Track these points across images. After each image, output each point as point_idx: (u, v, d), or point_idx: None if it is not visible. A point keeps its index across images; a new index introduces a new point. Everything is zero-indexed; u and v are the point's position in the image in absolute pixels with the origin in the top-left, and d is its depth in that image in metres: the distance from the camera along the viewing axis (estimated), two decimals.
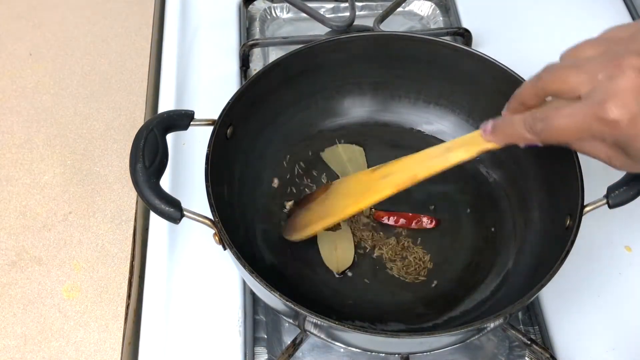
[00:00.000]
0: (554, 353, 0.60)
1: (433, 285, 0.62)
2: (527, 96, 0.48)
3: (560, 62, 0.47)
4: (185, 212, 0.53)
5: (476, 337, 0.56)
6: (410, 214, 0.65)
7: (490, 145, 0.51)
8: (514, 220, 0.65)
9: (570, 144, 0.46)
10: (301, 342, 0.57)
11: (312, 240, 0.64)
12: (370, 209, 0.65)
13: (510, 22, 0.86)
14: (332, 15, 0.87)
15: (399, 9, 0.84)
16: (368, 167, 0.67)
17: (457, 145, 0.54)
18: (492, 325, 0.51)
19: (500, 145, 0.50)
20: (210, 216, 0.53)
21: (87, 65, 0.80)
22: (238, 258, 0.51)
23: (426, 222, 0.65)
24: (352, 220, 0.65)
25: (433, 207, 0.66)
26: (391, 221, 0.65)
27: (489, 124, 0.50)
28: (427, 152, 0.56)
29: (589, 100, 0.42)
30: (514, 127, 0.48)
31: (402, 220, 0.65)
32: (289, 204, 0.66)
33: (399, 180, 0.57)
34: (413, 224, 0.64)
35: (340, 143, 0.70)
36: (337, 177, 0.68)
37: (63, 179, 0.70)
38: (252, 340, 0.60)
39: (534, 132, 0.46)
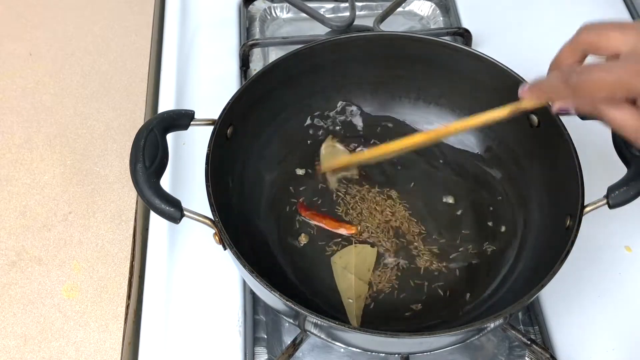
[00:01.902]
0: (554, 353, 0.60)
1: (433, 285, 0.62)
2: (565, 54, 0.47)
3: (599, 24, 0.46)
4: (185, 212, 0.53)
5: (476, 337, 0.56)
6: (333, 222, 0.65)
7: (524, 104, 0.49)
8: (514, 220, 0.65)
9: (602, 110, 0.44)
10: (301, 342, 0.57)
11: (313, 241, 0.64)
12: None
13: (510, 22, 0.86)
14: (332, 15, 0.87)
15: (399, 9, 0.84)
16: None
17: (494, 109, 0.53)
18: (492, 325, 0.51)
19: (535, 102, 0.48)
20: (210, 216, 0.53)
21: (87, 65, 0.80)
22: (238, 258, 0.51)
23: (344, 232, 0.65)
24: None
25: (435, 208, 0.67)
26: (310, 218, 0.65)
27: (526, 83, 0.49)
28: (468, 119, 0.56)
29: (632, 56, 0.42)
30: (550, 82, 0.47)
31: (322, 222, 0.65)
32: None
33: (433, 134, 0.59)
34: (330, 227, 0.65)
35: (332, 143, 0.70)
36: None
37: (63, 179, 0.70)
38: (252, 340, 0.60)
39: (570, 84, 0.44)
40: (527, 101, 0.49)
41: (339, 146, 0.69)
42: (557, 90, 0.46)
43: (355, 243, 0.64)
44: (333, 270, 0.62)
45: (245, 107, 0.62)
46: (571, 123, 0.58)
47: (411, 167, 0.69)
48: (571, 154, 0.57)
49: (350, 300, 0.60)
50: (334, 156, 0.68)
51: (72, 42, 0.82)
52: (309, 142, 0.70)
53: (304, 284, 0.62)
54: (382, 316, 0.60)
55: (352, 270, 0.62)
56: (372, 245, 0.64)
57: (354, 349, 0.56)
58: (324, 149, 0.69)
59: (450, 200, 0.67)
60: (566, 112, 0.47)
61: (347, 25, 0.78)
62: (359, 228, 0.65)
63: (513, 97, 0.56)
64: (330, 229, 0.65)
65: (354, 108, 0.72)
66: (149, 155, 0.54)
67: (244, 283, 0.63)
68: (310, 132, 0.71)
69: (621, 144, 0.56)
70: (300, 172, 0.68)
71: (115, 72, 0.79)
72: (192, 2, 0.87)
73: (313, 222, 0.65)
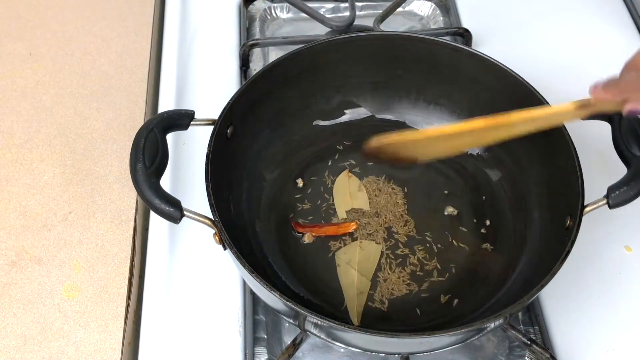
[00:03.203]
0: (554, 353, 0.60)
1: (432, 285, 0.62)
2: None
3: None
4: (185, 212, 0.53)
5: (476, 337, 0.56)
6: (333, 227, 0.64)
7: (594, 104, 0.46)
8: (514, 220, 0.65)
9: None
10: (301, 342, 0.57)
11: (313, 241, 0.64)
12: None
13: (510, 22, 0.86)
14: (332, 15, 0.87)
15: (399, 9, 0.84)
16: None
17: (559, 105, 0.49)
18: (492, 325, 0.51)
19: (608, 101, 0.46)
20: (210, 216, 0.53)
21: (87, 65, 0.80)
22: (238, 258, 0.51)
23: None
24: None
25: (434, 208, 0.67)
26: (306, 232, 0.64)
27: (598, 82, 0.46)
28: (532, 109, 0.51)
29: None
30: (628, 81, 0.45)
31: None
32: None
33: (492, 121, 0.52)
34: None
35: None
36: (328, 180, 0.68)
37: (63, 179, 0.70)
38: (252, 340, 0.60)
39: None
40: (599, 101, 0.46)
41: (354, 179, 0.68)
42: (635, 89, 0.44)
43: (360, 240, 0.64)
44: (336, 265, 0.62)
45: (245, 107, 0.62)
46: (571, 123, 0.58)
47: (410, 166, 0.69)
48: (571, 154, 0.57)
49: (352, 296, 0.60)
50: (347, 189, 0.67)
51: (72, 42, 0.82)
52: (309, 142, 0.70)
53: (304, 283, 0.62)
54: (382, 316, 0.60)
55: (356, 266, 0.62)
56: (377, 242, 0.64)
57: (354, 349, 0.56)
58: (338, 180, 0.68)
59: (449, 200, 0.67)
60: (636, 113, 0.45)
61: (347, 25, 0.78)
62: (358, 222, 0.65)
63: (513, 97, 0.56)
64: (333, 234, 0.64)
65: (353, 108, 0.72)
66: (149, 155, 0.54)
67: (244, 283, 0.63)
68: (311, 132, 0.71)
69: (621, 144, 0.56)
70: (299, 183, 0.68)
71: (115, 72, 0.79)
72: (192, 2, 0.87)
73: (313, 234, 0.64)
